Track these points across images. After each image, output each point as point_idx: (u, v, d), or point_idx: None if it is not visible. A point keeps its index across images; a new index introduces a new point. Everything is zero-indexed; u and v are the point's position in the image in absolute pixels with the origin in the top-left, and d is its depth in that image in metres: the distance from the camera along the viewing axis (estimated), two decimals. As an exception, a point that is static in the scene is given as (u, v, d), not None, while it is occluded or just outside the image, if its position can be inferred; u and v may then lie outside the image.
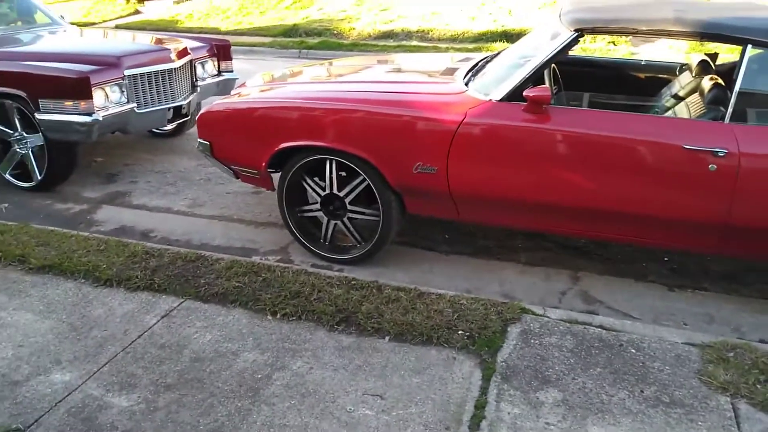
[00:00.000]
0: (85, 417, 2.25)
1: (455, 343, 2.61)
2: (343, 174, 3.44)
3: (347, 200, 3.45)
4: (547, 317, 2.82)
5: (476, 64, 3.81)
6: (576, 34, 3.00)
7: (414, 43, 10.78)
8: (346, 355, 2.57)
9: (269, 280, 3.13)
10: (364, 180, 3.33)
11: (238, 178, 3.83)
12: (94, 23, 14.00)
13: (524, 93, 2.92)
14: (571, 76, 4.07)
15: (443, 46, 10.49)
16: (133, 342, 2.68)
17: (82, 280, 3.17)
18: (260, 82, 4.18)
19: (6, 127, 4.56)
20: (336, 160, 3.36)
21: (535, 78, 3.05)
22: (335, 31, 12.03)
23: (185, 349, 2.62)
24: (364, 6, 13.87)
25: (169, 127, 5.30)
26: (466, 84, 3.38)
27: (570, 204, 3.02)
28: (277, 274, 3.19)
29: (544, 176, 3.00)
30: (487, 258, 3.67)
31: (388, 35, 11.47)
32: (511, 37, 10.21)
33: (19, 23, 5.90)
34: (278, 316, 2.85)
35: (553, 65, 3.50)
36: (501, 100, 3.04)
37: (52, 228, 3.80)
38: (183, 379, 2.43)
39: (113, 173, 5.13)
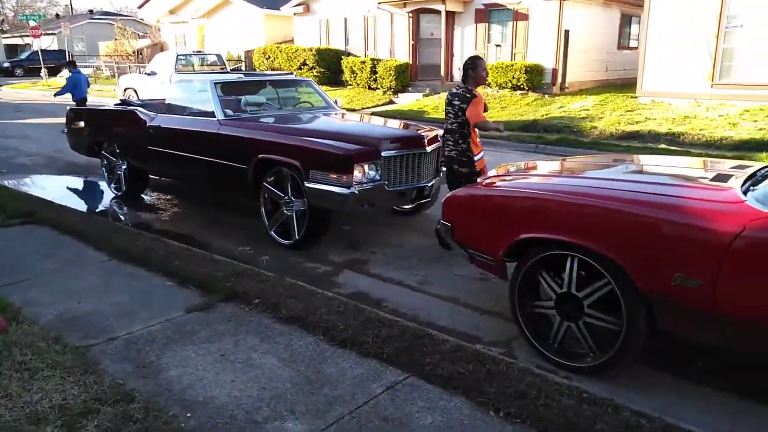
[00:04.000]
0: (310, 471, 2.32)
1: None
2: (584, 273, 3.23)
3: (586, 302, 3.21)
4: None
5: (755, 173, 3.38)
6: None
7: (662, 146, 10.11)
8: (574, 477, 2.30)
9: (494, 372, 3.01)
10: (608, 283, 3.08)
11: (472, 262, 3.85)
12: (355, 109, 15.91)
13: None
14: None
15: (696, 151, 9.65)
16: (359, 407, 2.75)
17: (321, 337, 3.41)
18: (500, 173, 4.25)
19: (279, 191, 5.29)
20: (578, 258, 3.18)
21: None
22: (575, 129, 11.89)
23: (406, 428, 2.61)
24: (607, 106, 13.57)
25: (411, 205, 5.64)
26: (744, 193, 2.99)
27: None
28: (501, 368, 3.06)
29: None
30: (751, 399, 3.07)
31: (633, 136, 10.97)
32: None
33: (302, 105, 6.96)
34: (501, 414, 2.70)
35: None
36: (793, 217, 2.61)
37: (302, 283, 4.21)
38: (401, 458, 2.40)
39: (356, 241, 5.58)
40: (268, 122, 5.97)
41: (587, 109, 13.41)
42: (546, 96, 15.44)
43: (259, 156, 5.31)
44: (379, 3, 18.54)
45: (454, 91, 4.95)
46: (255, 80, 6.95)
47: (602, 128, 11.61)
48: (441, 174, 5.59)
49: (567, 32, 16.39)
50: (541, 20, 16.25)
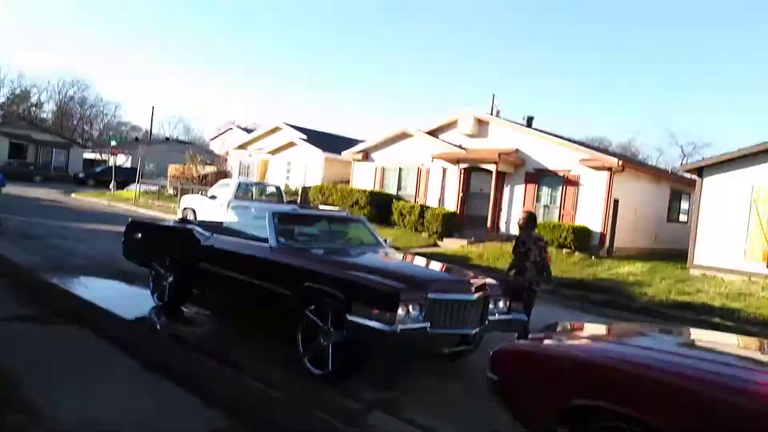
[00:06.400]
0: None
1: None
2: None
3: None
4: None
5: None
6: None
7: (716, 320, 9.67)
8: None
9: None
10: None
11: (516, 419, 3.59)
12: (399, 248, 16.11)
13: None
14: None
15: (754, 329, 9.16)
16: None
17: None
18: (560, 329, 4.10)
19: (320, 320, 5.22)
20: (635, 432, 2.90)
21: None
22: (623, 292, 11.61)
23: None
24: (656, 274, 13.34)
25: (452, 350, 5.43)
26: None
27: None
28: None
29: None
30: None
31: (684, 306, 10.59)
32: None
33: (353, 241, 7.10)
34: None
35: None
36: None
37: (332, 420, 3.98)
38: None
39: (392, 380, 5.34)
40: (318, 253, 6.08)
41: (635, 275, 13.18)
42: (593, 257, 15.36)
43: (305, 284, 5.33)
44: (434, 158, 19.54)
45: (537, 235, 7.00)
46: (310, 214, 7.21)
47: (652, 295, 11.30)
48: (486, 322, 5.43)
49: (616, 201, 16.70)
50: (590, 188, 16.70)
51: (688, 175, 17.71)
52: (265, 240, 6.12)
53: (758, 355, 3.75)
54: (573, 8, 76.99)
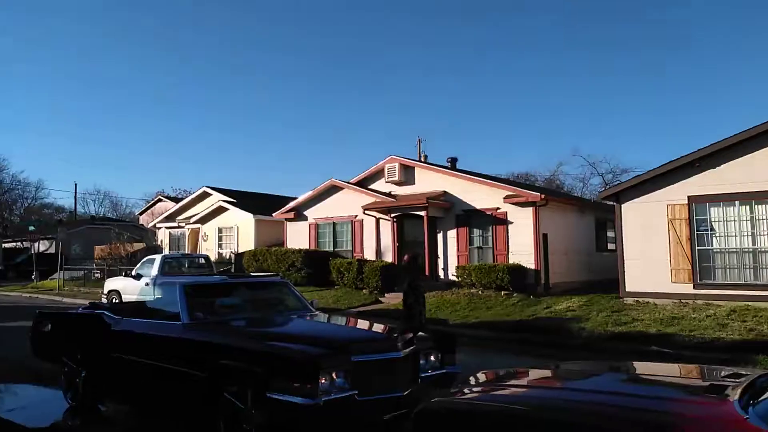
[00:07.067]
0: None
1: None
2: None
3: None
4: None
5: (753, 383, 3.07)
6: None
7: (653, 347, 9.76)
8: None
9: None
10: None
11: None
12: (340, 309, 15.70)
13: None
14: None
15: (689, 353, 9.28)
16: None
17: None
18: (484, 378, 3.90)
19: (239, 402, 4.77)
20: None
21: None
22: (563, 329, 11.62)
23: None
24: (593, 306, 13.48)
25: (386, 417, 5.09)
26: (744, 408, 2.65)
27: None
28: None
29: None
30: None
31: (622, 337, 10.67)
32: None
33: (277, 307, 6.72)
34: None
35: None
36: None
37: None
38: None
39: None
40: (237, 325, 5.70)
41: (573, 310, 13.27)
42: (531, 297, 15.44)
43: (221, 362, 4.93)
44: (365, 209, 19.48)
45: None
46: (228, 283, 6.82)
47: (590, 329, 11.35)
48: (419, 381, 5.16)
49: (545, 235, 17.02)
50: (519, 224, 16.97)
51: (609, 203, 18.28)
52: (177, 317, 5.69)
53: (691, 383, 3.67)
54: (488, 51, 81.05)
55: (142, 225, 42.09)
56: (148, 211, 48.40)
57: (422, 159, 23.59)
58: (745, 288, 12.42)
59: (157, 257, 17.01)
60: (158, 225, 30.31)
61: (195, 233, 27.11)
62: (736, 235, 12.76)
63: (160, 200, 46.18)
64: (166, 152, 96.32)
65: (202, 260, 17.77)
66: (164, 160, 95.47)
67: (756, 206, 12.52)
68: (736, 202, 12.72)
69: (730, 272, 12.78)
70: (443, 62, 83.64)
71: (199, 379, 5.09)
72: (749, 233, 12.59)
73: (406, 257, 7.04)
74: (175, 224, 28.73)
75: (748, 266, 12.56)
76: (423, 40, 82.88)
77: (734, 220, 12.80)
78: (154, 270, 15.61)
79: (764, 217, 12.47)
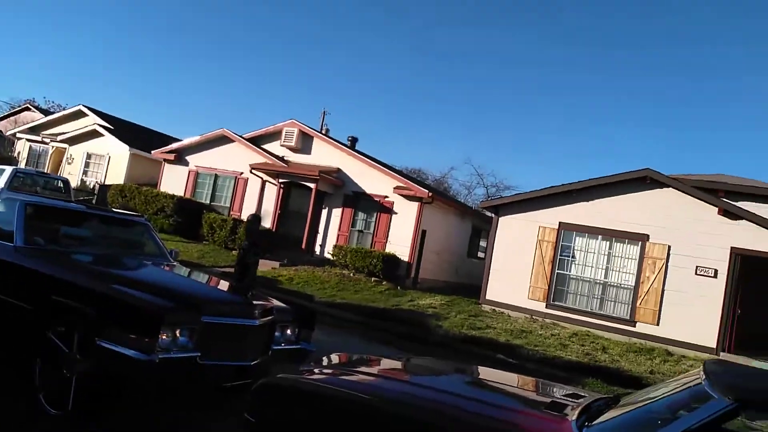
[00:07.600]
0: None
1: None
2: None
3: None
4: None
5: (589, 406, 3.17)
6: (734, 404, 2.36)
7: (500, 356, 10.24)
8: None
9: None
10: None
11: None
12: (203, 265, 14.96)
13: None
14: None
15: (531, 366, 9.85)
16: None
17: None
18: (336, 361, 3.74)
19: (64, 345, 4.23)
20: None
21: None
22: (423, 324, 11.89)
23: None
24: (453, 307, 13.96)
25: (233, 384, 4.76)
26: (579, 429, 2.71)
27: None
28: None
29: None
30: None
31: (474, 341, 11.10)
32: (605, 376, 9.49)
33: (131, 249, 6.13)
34: None
35: None
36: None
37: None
38: None
39: (149, 419, 4.52)
40: (80, 260, 5.09)
41: (435, 308, 13.65)
42: (399, 287, 15.71)
43: (52, 297, 4.34)
44: (253, 168, 18.72)
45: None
46: (79, 211, 6.09)
47: (447, 328, 11.72)
48: (270, 353, 4.90)
49: (424, 232, 17.41)
50: (402, 217, 17.19)
51: (488, 213, 19.08)
52: (11, 237, 4.97)
53: (534, 397, 3.75)
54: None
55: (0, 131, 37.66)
56: (11, 118, 43.40)
57: (323, 132, 23.07)
58: (590, 315, 13.50)
59: (8, 169, 15.12)
60: (19, 135, 27.15)
61: (60, 153, 24.61)
62: (592, 266, 13.82)
63: (27, 108, 41.54)
64: (52, 59, 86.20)
65: (60, 183, 16.04)
66: (47, 66, 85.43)
67: (615, 244, 13.63)
68: (599, 236, 13.76)
69: (580, 299, 13.83)
70: (378, 49, 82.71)
71: (23, 312, 4.47)
72: (604, 267, 13.69)
73: (249, 216, 6.93)
74: (38, 138, 25.89)
75: (596, 296, 13.66)
76: (361, 25, 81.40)
77: (594, 252, 13.84)
78: (1, 182, 13.88)
79: (620, 255, 13.61)
